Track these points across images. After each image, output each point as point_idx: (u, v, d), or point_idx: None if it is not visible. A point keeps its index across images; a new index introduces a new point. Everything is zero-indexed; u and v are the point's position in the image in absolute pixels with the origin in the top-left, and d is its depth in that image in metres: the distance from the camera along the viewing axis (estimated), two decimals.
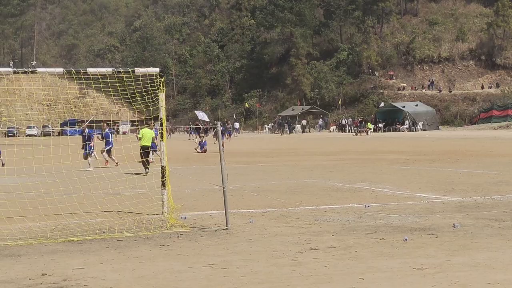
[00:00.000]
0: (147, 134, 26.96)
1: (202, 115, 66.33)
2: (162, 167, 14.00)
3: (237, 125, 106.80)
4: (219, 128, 13.57)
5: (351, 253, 10.13)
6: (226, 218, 12.60)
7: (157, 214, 14.06)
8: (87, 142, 30.06)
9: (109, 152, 30.61)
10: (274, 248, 10.61)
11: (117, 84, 15.52)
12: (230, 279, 8.61)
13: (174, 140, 69.15)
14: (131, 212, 14.60)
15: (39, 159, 18.25)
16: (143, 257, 10.15)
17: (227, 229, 12.42)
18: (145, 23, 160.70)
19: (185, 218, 13.72)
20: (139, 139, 26.92)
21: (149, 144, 26.80)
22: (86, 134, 30.26)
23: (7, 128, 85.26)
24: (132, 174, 21.35)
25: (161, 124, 14.17)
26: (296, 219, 13.75)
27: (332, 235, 11.73)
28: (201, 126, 62.70)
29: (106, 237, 11.88)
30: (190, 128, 69.09)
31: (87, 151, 29.98)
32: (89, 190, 16.74)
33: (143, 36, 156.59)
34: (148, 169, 25.68)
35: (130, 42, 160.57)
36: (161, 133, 14.28)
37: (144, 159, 26.09)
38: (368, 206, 15.44)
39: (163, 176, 13.98)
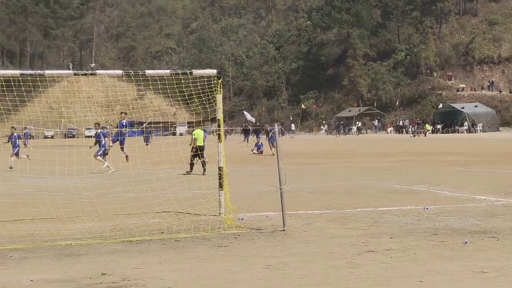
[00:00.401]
0: (201, 135, 27.47)
1: (249, 117, 66.02)
2: (220, 168, 14.03)
3: (293, 126, 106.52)
4: (277, 129, 13.54)
5: (410, 256, 10.02)
6: (283, 220, 12.59)
7: (214, 215, 14.11)
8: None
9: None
10: (332, 250, 10.56)
11: (175, 86, 15.63)
12: (288, 281, 8.59)
13: (230, 141, 69.33)
14: (189, 213, 14.68)
15: (97, 162, 18.53)
16: (200, 258, 10.20)
17: (284, 230, 12.40)
18: (201, 25, 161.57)
19: (242, 219, 13.74)
20: (195, 140, 27.26)
21: (201, 144, 27.23)
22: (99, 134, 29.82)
23: (67, 129, 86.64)
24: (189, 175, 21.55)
25: (219, 126, 14.20)
26: (353, 221, 13.66)
27: (390, 237, 11.62)
28: (250, 128, 62.69)
29: (164, 238, 11.98)
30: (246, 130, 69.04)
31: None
32: (147, 191, 16.89)
33: (199, 38, 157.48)
34: (192, 170, 26.33)
35: (187, 44, 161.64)
36: (219, 135, 14.31)
37: (200, 160, 26.52)
38: (427, 208, 15.25)
39: (220, 177, 14.01)
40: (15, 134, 31.95)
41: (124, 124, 30.61)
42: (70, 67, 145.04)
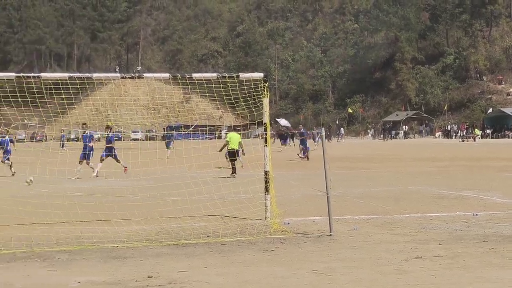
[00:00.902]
0: (234, 138, 27.72)
1: (284, 122, 65.83)
2: (266, 172, 13.97)
3: (342, 130, 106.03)
4: (323, 133, 13.44)
5: (459, 263, 9.84)
6: (329, 224, 12.49)
7: (260, 219, 14.05)
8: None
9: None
10: (379, 256, 10.43)
11: (221, 89, 15.62)
12: (334, 286, 8.52)
13: (276, 145, 69.28)
14: (235, 217, 14.65)
15: (144, 163, 18.60)
16: (246, 262, 10.16)
17: (330, 235, 12.30)
18: (247, 28, 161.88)
19: (288, 223, 13.67)
20: (228, 143, 27.65)
21: (236, 147, 27.47)
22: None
23: (114, 132, 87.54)
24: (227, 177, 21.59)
25: (265, 129, 14.15)
26: (401, 226, 13.49)
27: (439, 244, 11.43)
28: (288, 133, 62.58)
29: (210, 241, 11.96)
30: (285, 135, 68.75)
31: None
32: (193, 194, 16.91)
33: (245, 41, 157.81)
34: (235, 173, 26.61)
35: (233, 47, 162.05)
36: (265, 139, 14.25)
37: (231, 161, 27.12)
38: (476, 215, 14.99)
39: (266, 182, 13.95)
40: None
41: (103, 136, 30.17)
42: (117, 70, 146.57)
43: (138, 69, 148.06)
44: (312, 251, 10.97)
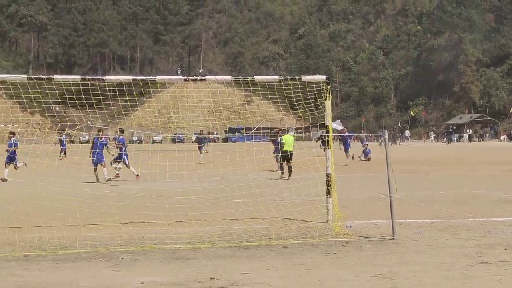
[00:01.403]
0: (289, 140, 28.04)
1: (335, 125, 64.61)
2: (328, 175, 13.92)
3: (407, 133, 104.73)
4: (386, 135, 13.32)
5: None
6: (392, 228, 12.36)
7: (322, 222, 13.99)
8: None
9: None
10: (443, 260, 10.28)
11: (283, 91, 15.60)
12: None
13: (335, 148, 68.88)
14: (297, 220, 14.62)
15: (206, 165, 18.74)
16: (308, 265, 10.13)
17: (393, 239, 12.18)
18: (309, 31, 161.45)
19: (350, 226, 13.59)
20: (283, 145, 27.82)
21: (290, 149, 27.65)
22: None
23: (175, 134, 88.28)
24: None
25: (327, 132, 14.09)
26: (465, 230, 13.27)
27: (505, 249, 11.21)
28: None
29: (272, 244, 11.97)
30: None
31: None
32: (255, 197, 16.93)
33: (307, 44, 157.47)
34: (284, 173, 27.21)
35: (294, 50, 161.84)
36: (328, 141, 14.19)
37: (286, 164, 27.48)
38: None
39: (328, 184, 13.90)
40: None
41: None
42: (179, 72, 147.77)
43: (200, 71, 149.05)
44: (374, 255, 10.89)
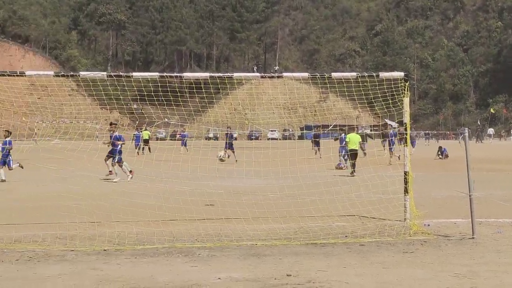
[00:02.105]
0: (354, 138, 28.09)
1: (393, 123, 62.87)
2: (405, 173, 13.74)
3: (491, 131, 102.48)
4: (466, 133, 13.05)
5: None
6: (472, 227, 12.12)
7: (399, 220, 13.81)
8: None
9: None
10: None
11: (361, 89, 15.48)
12: None
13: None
14: (374, 217, 14.48)
15: (282, 162, 18.69)
16: (386, 263, 10.03)
17: (473, 238, 11.95)
18: (386, 27, 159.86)
19: (428, 225, 13.39)
20: (347, 143, 28.12)
21: (356, 147, 27.84)
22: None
23: (250, 131, 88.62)
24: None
25: (405, 129, 13.91)
26: None
27: None
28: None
29: (349, 241, 11.88)
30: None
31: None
32: (331, 194, 16.85)
33: (384, 40, 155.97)
34: (355, 171, 26.80)
35: (371, 47, 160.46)
36: (405, 139, 14.00)
37: (352, 161, 27.46)
38: None
39: (405, 182, 13.71)
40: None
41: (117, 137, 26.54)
42: (255, 69, 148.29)
43: (276, 68, 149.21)
44: (453, 254, 10.71)
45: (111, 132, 26.26)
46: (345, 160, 30.14)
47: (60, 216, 14.26)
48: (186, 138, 47.99)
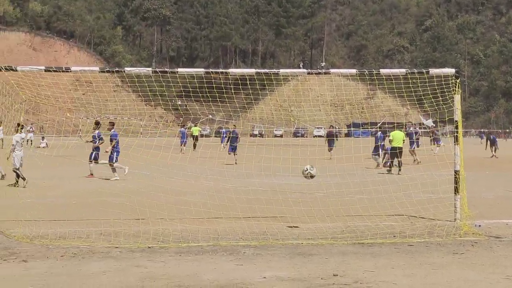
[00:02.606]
0: (398, 136, 27.96)
1: (425, 121, 60.45)
2: (456, 172, 13.44)
3: None
4: None
5: None
6: None
7: (449, 221, 13.54)
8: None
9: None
10: None
11: (410, 86, 15.18)
12: None
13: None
14: (423, 217, 14.21)
15: (331, 160, 18.55)
16: (435, 264, 9.83)
17: None
18: (436, 22, 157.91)
19: (479, 226, 13.09)
20: (390, 141, 27.99)
21: (400, 145, 27.61)
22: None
23: (296, 128, 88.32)
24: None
25: (456, 127, 13.61)
26: None
27: None
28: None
29: (397, 242, 11.68)
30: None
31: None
32: (379, 192, 16.59)
33: (434, 36, 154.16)
34: (400, 169, 27.09)
35: (420, 42, 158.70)
36: (456, 137, 13.70)
37: (394, 159, 27.62)
38: None
39: (456, 182, 13.42)
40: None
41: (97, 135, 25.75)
42: (301, 66, 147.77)
43: (322, 65, 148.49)
44: (505, 255, 10.50)
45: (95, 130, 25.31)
46: (376, 158, 30.11)
47: (104, 213, 14.31)
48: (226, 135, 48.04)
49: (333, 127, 40.94)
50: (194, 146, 45.02)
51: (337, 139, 38.13)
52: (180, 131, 46.12)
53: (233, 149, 32.72)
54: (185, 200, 15.35)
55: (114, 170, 24.21)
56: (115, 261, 10.05)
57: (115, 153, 24.33)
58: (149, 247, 11.09)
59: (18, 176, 21.33)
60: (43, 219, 13.58)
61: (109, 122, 26.03)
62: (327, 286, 8.51)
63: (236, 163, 30.46)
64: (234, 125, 32.08)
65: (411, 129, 36.05)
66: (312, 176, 12.13)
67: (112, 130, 25.05)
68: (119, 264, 9.80)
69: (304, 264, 9.81)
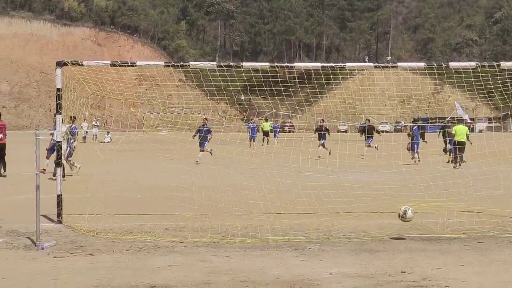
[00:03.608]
0: (461, 130, 27.86)
1: (461, 111, 55.99)
2: None
3: None
4: None
5: None
6: None
7: None
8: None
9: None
10: None
11: (480, 79, 14.83)
12: None
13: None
14: (493, 214, 13.83)
15: (395, 155, 18.32)
16: (507, 262, 9.63)
17: None
18: (506, 15, 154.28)
19: None
20: (453, 135, 27.85)
21: (464, 139, 27.51)
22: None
23: (361, 123, 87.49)
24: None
25: None
26: None
27: None
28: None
29: (466, 238, 11.42)
30: None
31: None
32: (448, 188, 16.26)
33: (504, 29, 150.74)
34: (461, 164, 26.80)
35: (490, 35, 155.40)
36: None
37: (458, 154, 27.36)
38: None
39: None
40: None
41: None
42: (366, 60, 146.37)
43: (388, 58, 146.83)
44: None
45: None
46: (417, 154, 29.57)
47: (169, 207, 14.40)
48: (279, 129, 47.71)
49: (323, 120, 37.73)
50: (267, 142, 45.05)
51: (329, 134, 35.75)
52: (249, 126, 46.07)
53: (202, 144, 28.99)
54: (251, 195, 15.31)
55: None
56: (180, 255, 10.07)
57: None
58: (214, 242, 11.08)
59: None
60: (109, 213, 13.76)
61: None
62: (394, 283, 8.37)
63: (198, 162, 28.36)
64: (206, 119, 29.83)
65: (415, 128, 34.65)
66: (409, 220, 11.84)
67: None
68: (184, 259, 9.82)
69: (371, 261, 9.67)
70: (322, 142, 33.55)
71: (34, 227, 11.00)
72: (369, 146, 33.28)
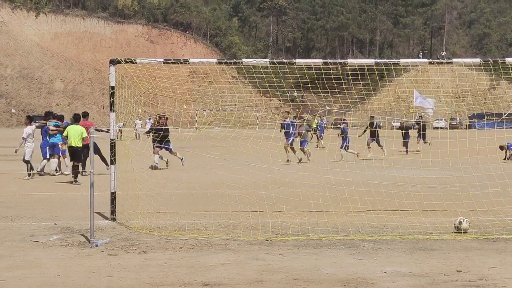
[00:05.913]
0: None
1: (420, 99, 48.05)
2: None
3: None
4: None
5: None
6: None
7: None
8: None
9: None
10: None
11: None
12: None
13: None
14: None
15: (458, 152, 18.06)
16: None
17: None
18: None
19: None
20: None
21: None
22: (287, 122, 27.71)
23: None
24: None
25: None
26: None
27: None
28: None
29: None
30: None
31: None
32: (506, 187, 15.95)
33: None
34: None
35: None
36: None
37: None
38: None
39: None
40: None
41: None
42: (420, 55, 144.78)
43: (443, 54, 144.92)
44: None
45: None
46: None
47: (222, 205, 14.40)
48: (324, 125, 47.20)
49: (320, 116, 36.64)
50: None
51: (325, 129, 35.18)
52: (318, 124, 45.67)
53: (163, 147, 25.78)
54: (303, 193, 15.25)
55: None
56: (234, 253, 10.07)
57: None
58: (267, 240, 11.06)
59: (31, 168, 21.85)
60: (162, 211, 13.83)
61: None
62: (450, 282, 8.25)
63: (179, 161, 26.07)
64: (165, 116, 26.68)
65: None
66: (464, 231, 11.63)
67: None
68: (237, 257, 9.82)
69: (426, 260, 9.54)
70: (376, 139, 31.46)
71: (88, 225, 11.13)
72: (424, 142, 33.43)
